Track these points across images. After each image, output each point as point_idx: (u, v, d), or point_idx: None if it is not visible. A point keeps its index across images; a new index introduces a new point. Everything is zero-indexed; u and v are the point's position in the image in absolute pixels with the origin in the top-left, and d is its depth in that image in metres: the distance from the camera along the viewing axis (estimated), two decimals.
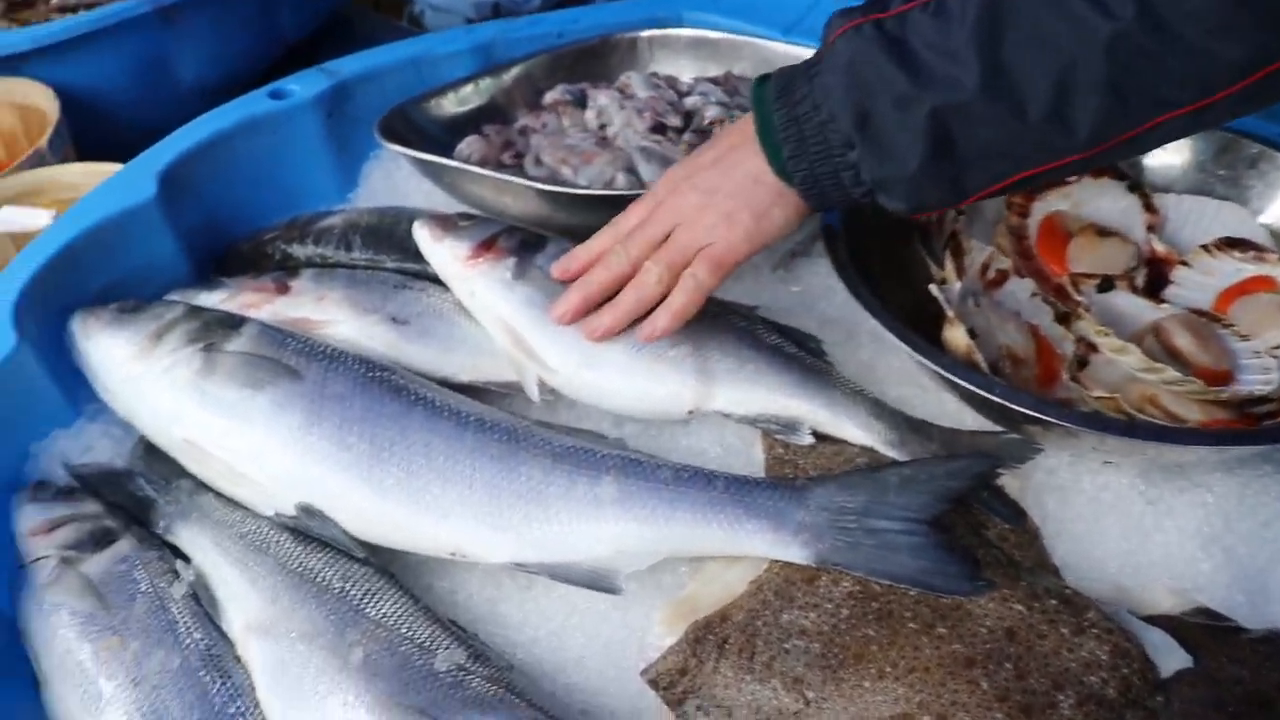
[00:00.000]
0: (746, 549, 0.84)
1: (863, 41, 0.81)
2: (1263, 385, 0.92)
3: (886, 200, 0.85)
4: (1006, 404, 0.84)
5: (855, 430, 0.94)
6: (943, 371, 0.86)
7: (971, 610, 0.80)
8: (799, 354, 0.99)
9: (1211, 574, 0.88)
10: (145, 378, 0.92)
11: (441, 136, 1.24)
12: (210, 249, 1.17)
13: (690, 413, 0.97)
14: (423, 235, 1.03)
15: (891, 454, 0.93)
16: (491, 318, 0.99)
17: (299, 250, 1.13)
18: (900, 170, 0.82)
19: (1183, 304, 1.01)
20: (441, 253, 1.02)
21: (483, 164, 1.20)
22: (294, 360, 0.92)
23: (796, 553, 0.83)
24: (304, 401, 0.89)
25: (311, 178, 1.24)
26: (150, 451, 0.95)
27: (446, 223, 1.03)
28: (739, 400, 0.96)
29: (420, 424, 0.88)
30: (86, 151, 1.37)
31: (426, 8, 2.20)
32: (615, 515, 0.84)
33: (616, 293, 0.94)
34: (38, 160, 1.31)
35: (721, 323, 0.99)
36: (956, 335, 0.90)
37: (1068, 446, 0.92)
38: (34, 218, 1.16)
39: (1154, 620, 0.82)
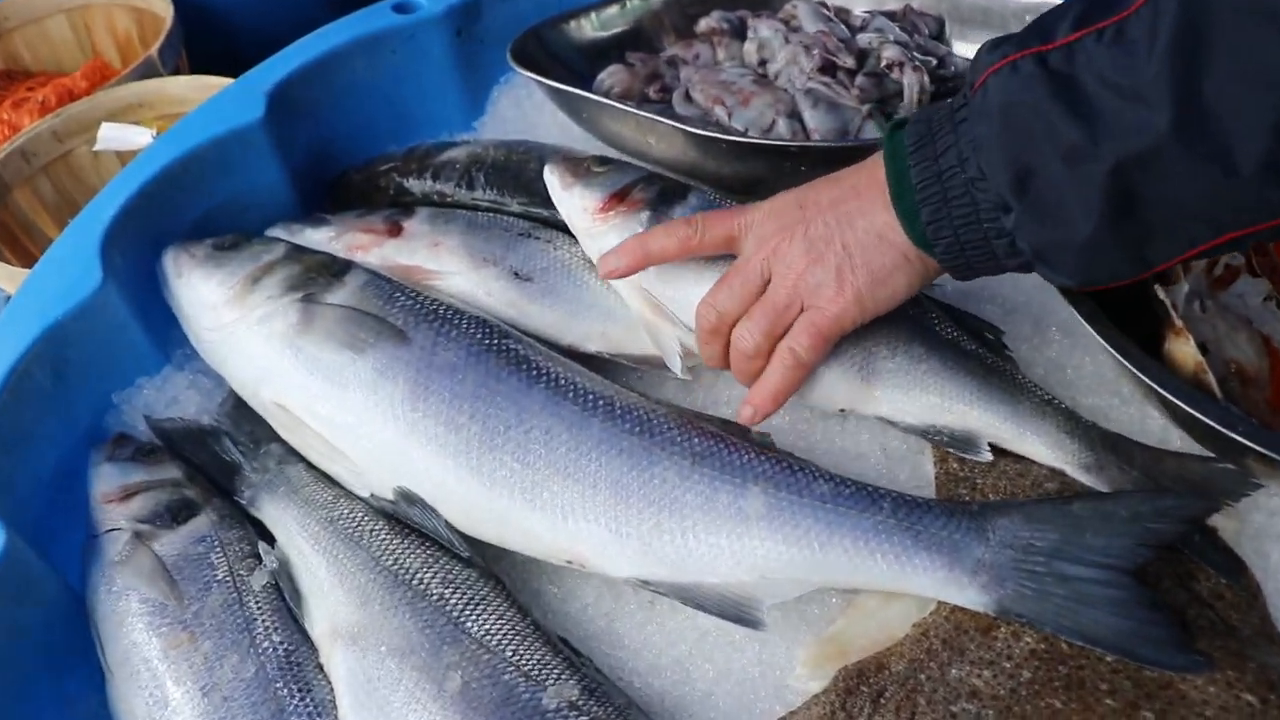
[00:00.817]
0: (913, 587, 0.71)
1: (1021, 81, 0.64)
2: None
3: (1049, 273, 0.70)
4: (1251, 445, 0.69)
5: (1042, 448, 0.80)
6: (1173, 398, 0.71)
7: (1186, 693, 0.66)
8: (977, 350, 0.84)
9: None
10: (238, 327, 0.82)
11: (580, 64, 1.11)
12: (320, 178, 1.06)
13: (842, 411, 0.83)
14: (552, 180, 0.90)
15: (1085, 479, 0.78)
16: (625, 286, 0.86)
17: (416, 185, 1.02)
18: (1069, 238, 0.65)
19: None
20: (571, 201, 0.89)
21: (625, 97, 1.06)
22: (401, 319, 0.81)
23: (973, 597, 0.70)
24: (410, 370, 0.77)
25: (435, 103, 1.12)
26: (240, 408, 0.85)
27: (578, 167, 0.91)
28: (905, 407, 0.82)
29: (541, 406, 0.76)
30: (200, 63, 1.27)
31: None
32: (762, 533, 0.72)
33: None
34: (149, 69, 1.21)
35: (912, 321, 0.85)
36: (1185, 350, 0.75)
37: None
38: (135, 135, 1.06)
39: None
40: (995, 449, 0.81)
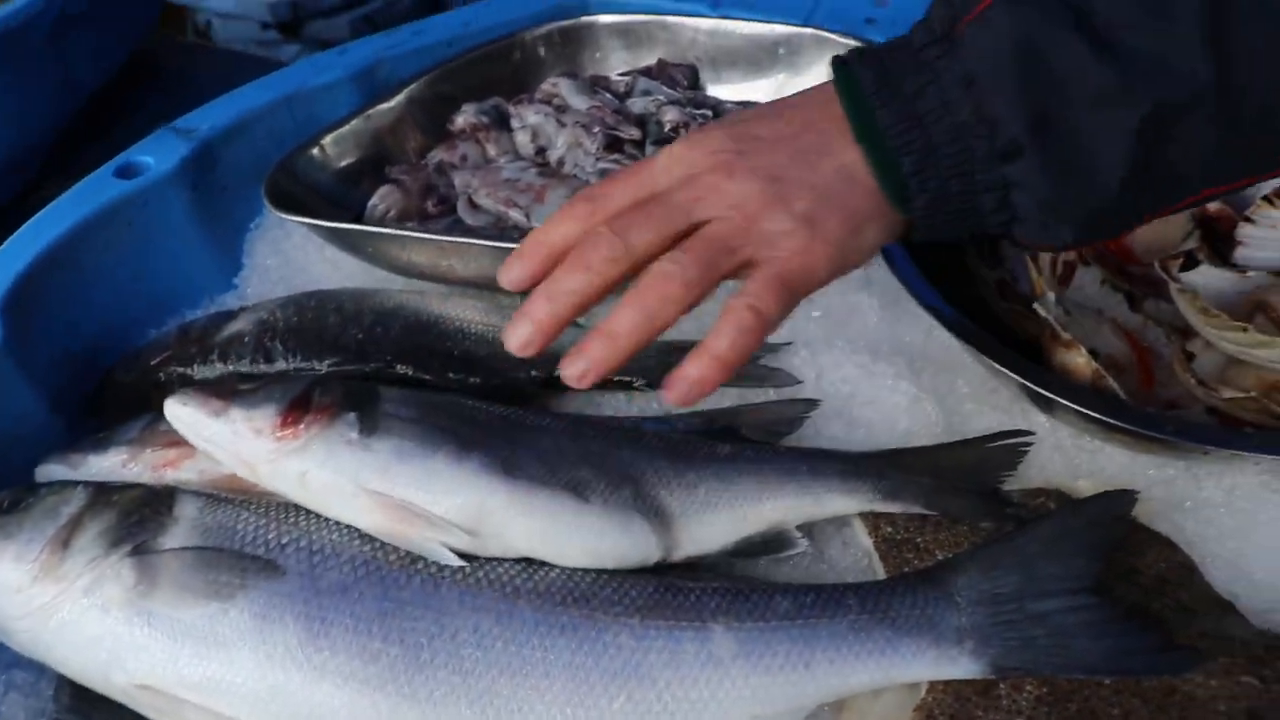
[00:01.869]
0: (905, 675, 0.67)
1: (1036, 14, 0.57)
2: None
3: (1032, 234, 0.62)
4: (1182, 441, 0.69)
5: (841, 501, 0.77)
6: (1100, 416, 0.70)
7: (1193, 693, 0.66)
8: (752, 446, 0.80)
9: None
10: (59, 607, 0.68)
11: (337, 190, 1.01)
12: (81, 388, 0.92)
13: (659, 563, 0.74)
14: (192, 416, 0.73)
15: (893, 507, 0.77)
16: (347, 499, 0.70)
17: (202, 371, 0.89)
18: (1086, 190, 0.59)
19: (1260, 265, 0.88)
20: (232, 430, 0.72)
21: (404, 219, 0.98)
22: (262, 546, 0.70)
23: (967, 666, 0.67)
24: (296, 605, 0.66)
25: (188, 269, 0.99)
26: (85, 699, 0.71)
27: (220, 391, 0.74)
28: (709, 535, 0.75)
29: (458, 603, 0.67)
30: None
31: (213, 17, 1.93)
32: (742, 673, 0.66)
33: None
34: None
35: (648, 440, 0.79)
36: (1078, 361, 0.74)
37: (1183, 454, 0.80)
38: None
39: None
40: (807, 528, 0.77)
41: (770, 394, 0.86)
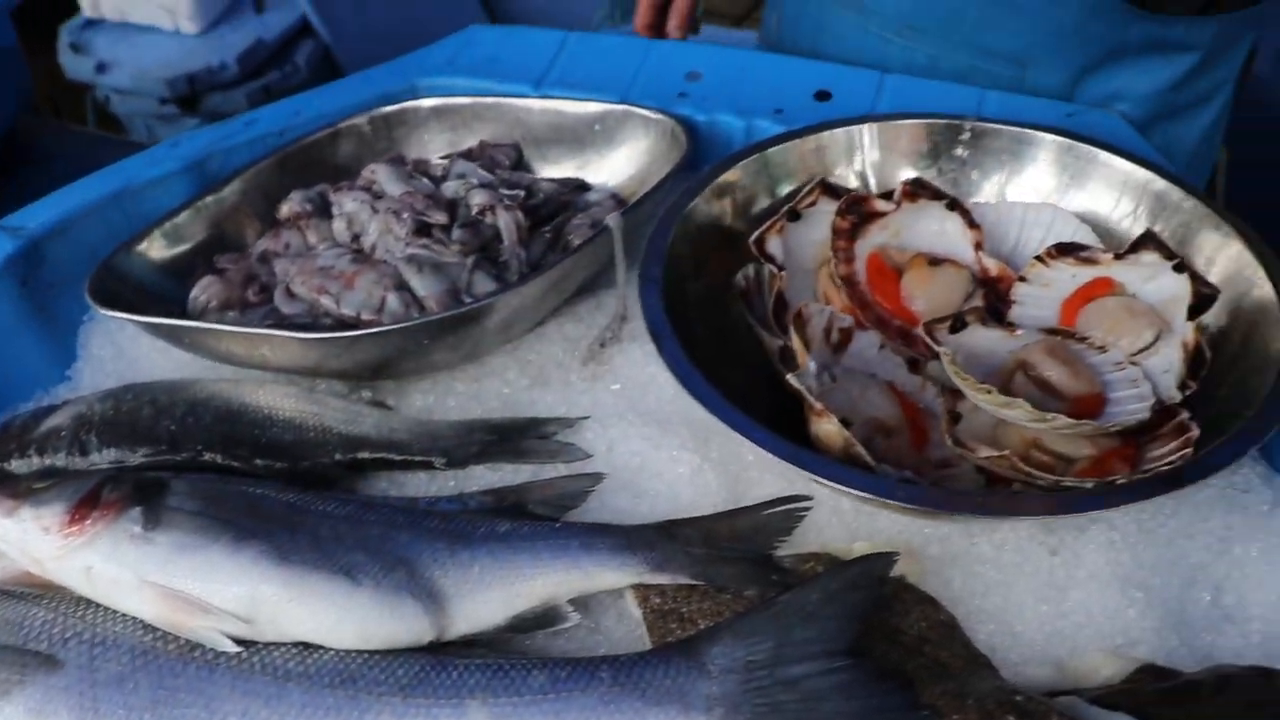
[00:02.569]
0: None
1: None
2: (1138, 404, 0.86)
3: None
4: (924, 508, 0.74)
5: (611, 575, 0.81)
6: (835, 485, 0.75)
7: None
8: (530, 523, 0.84)
9: (1139, 619, 0.81)
10: None
11: (167, 283, 1.05)
12: None
13: (433, 642, 0.78)
14: None
15: (661, 578, 0.81)
16: (129, 592, 0.74)
17: (20, 465, 0.92)
18: None
19: (1032, 323, 0.94)
20: (23, 528, 0.76)
21: (226, 308, 1.02)
22: (45, 641, 0.73)
23: None
24: (71, 698, 0.70)
25: (18, 365, 1.02)
26: None
27: (16, 489, 0.78)
28: (481, 613, 0.79)
29: (230, 688, 0.71)
30: None
31: (111, 93, 1.97)
32: None
33: None
34: None
35: (428, 521, 0.82)
36: (829, 429, 0.79)
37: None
38: None
39: (1112, 701, 0.74)
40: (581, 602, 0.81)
41: (561, 469, 0.91)
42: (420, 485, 0.92)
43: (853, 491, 0.76)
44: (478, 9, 3.45)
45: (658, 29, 1.52)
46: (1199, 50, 1.23)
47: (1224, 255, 0.94)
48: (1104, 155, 1.02)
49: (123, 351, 1.05)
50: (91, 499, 0.77)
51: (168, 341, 0.98)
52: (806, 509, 0.84)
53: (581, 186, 1.14)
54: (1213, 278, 0.94)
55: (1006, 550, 0.86)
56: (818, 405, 0.80)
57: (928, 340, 0.89)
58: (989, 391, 0.82)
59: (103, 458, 0.91)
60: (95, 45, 2.79)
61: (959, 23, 1.24)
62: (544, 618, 0.79)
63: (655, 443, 0.91)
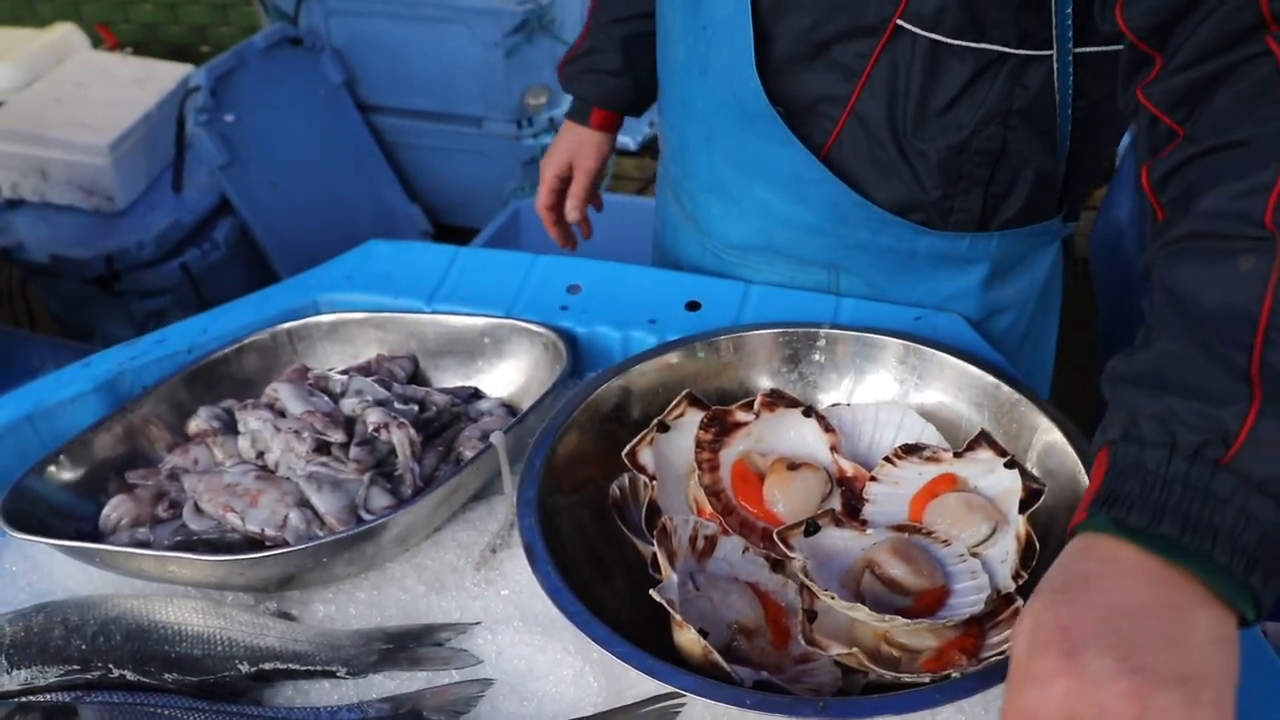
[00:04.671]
0: None
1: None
2: (976, 595, 0.94)
3: None
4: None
5: None
6: (688, 694, 0.83)
7: None
8: None
9: None
10: None
11: (80, 501, 1.11)
12: None
13: None
14: None
15: None
16: None
17: None
18: None
19: (883, 520, 1.03)
20: None
21: (136, 525, 1.08)
22: None
23: None
24: None
25: None
26: None
27: None
28: None
29: None
30: None
31: (30, 274, 2.03)
32: None
33: None
34: None
35: None
36: (689, 638, 0.87)
37: None
38: None
39: None
40: None
41: (454, 674, 0.97)
42: (323, 693, 0.97)
43: (703, 699, 0.83)
44: (393, 183, 3.57)
45: (556, 210, 1.64)
46: (987, 261, 1.30)
47: (1049, 448, 1.05)
48: (940, 355, 1.13)
49: (36, 565, 1.10)
50: None
51: (81, 561, 1.04)
52: (680, 705, 0.91)
53: (475, 394, 1.23)
54: (1040, 469, 1.04)
55: None
56: (678, 617, 0.88)
57: (781, 547, 0.98)
58: (833, 597, 0.91)
59: (14, 680, 0.96)
60: (14, 225, 2.87)
61: (770, 240, 1.34)
62: None
63: (540, 648, 0.97)
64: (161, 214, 2.92)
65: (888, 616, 0.89)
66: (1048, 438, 1.05)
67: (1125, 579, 0.68)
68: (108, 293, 2.71)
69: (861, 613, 0.90)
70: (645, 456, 1.05)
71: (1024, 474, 1.03)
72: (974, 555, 1.00)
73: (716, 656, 0.87)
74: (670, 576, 0.93)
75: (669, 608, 0.89)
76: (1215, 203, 0.75)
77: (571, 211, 1.62)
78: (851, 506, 1.06)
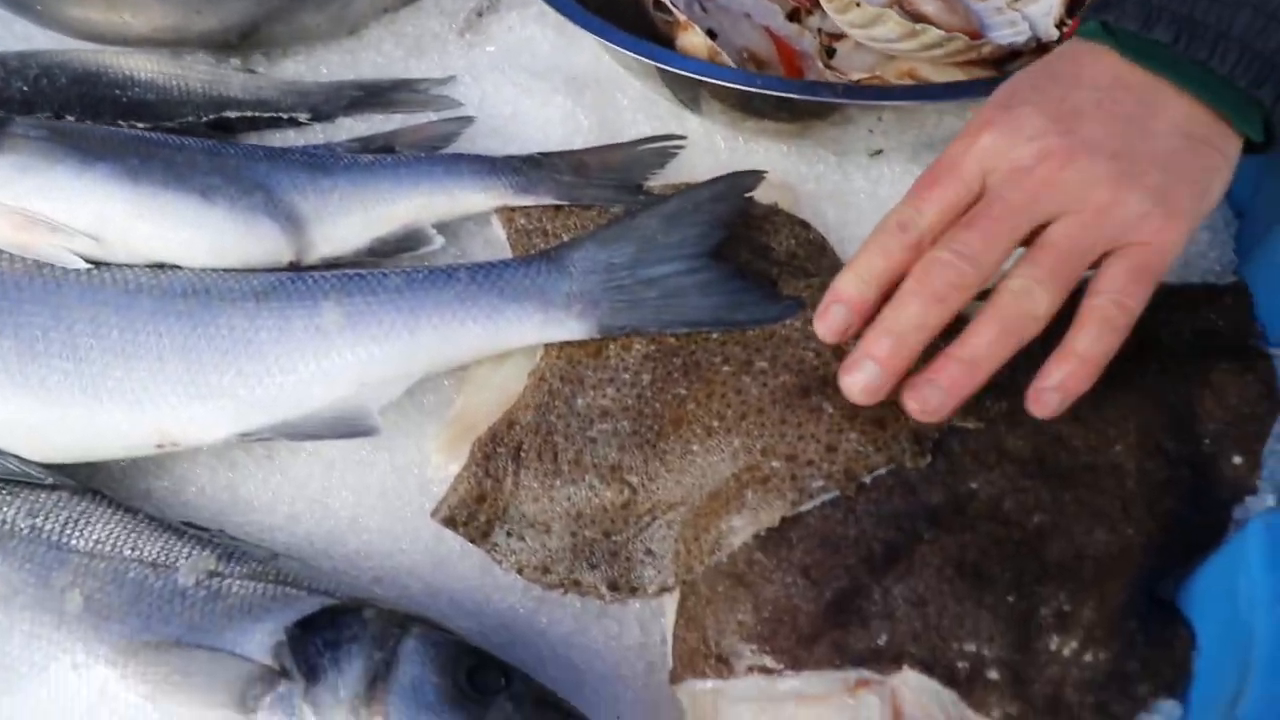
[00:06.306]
0: (514, 340, 0.71)
1: None
2: (1015, 37, 0.84)
3: None
4: (786, 95, 0.73)
5: (475, 197, 0.79)
6: (692, 74, 0.74)
7: (789, 336, 0.70)
8: (394, 155, 0.83)
9: None
10: None
11: None
12: None
13: (292, 263, 0.76)
14: None
15: (526, 200, 0.80)
16: None
17: None
18: None
19: None
20: None
21: None
22: None
23: (574, 327, 0.71)
24: None
25: None
26: None
27: None
28: (341, 235, 0.77)
29: (79, 298, 0.69)
30: None
31: None
32: (347, 343, 0.69)
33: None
34: None
35: (290, 154, 0.80)
36: (693, 40, 0.77)
37: (832, 142, 0.84)
38: None
39: None
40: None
41: (433, 117, 0.88)
42: (287, 140, 0.89)
43: (717, 82, 0.74)
44: None
45: None
46: None
47: None
48: None
49: None
50: None
51: (13, 12, 0.93)
52: (680, 146, 0.82)
53: None
54: None
55: (882, 185, 0.85)
56: (682, 18, 0.78)
57: None
58: (856, 4, 0.80)
59: None
60: None
61: None
62: (406, 241, 0.78)
63: (527, 89, 0.89)
64: None
65: (919, 26, 0.79)
66: None
67: (1098, 68, 0.61)
68: None
69: (889, 25, 0.80)
70: None
71: None
72: (1014, 9, 0.88)
73: (725, 58, 0.77)
74: None
75: (672, 7, 0.78)
76: None
77: None
78: None
